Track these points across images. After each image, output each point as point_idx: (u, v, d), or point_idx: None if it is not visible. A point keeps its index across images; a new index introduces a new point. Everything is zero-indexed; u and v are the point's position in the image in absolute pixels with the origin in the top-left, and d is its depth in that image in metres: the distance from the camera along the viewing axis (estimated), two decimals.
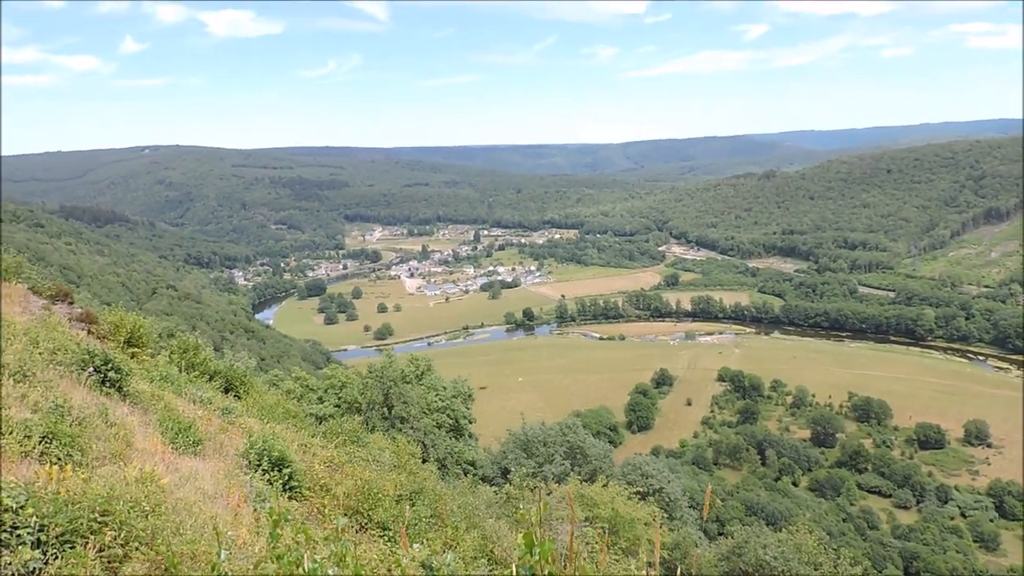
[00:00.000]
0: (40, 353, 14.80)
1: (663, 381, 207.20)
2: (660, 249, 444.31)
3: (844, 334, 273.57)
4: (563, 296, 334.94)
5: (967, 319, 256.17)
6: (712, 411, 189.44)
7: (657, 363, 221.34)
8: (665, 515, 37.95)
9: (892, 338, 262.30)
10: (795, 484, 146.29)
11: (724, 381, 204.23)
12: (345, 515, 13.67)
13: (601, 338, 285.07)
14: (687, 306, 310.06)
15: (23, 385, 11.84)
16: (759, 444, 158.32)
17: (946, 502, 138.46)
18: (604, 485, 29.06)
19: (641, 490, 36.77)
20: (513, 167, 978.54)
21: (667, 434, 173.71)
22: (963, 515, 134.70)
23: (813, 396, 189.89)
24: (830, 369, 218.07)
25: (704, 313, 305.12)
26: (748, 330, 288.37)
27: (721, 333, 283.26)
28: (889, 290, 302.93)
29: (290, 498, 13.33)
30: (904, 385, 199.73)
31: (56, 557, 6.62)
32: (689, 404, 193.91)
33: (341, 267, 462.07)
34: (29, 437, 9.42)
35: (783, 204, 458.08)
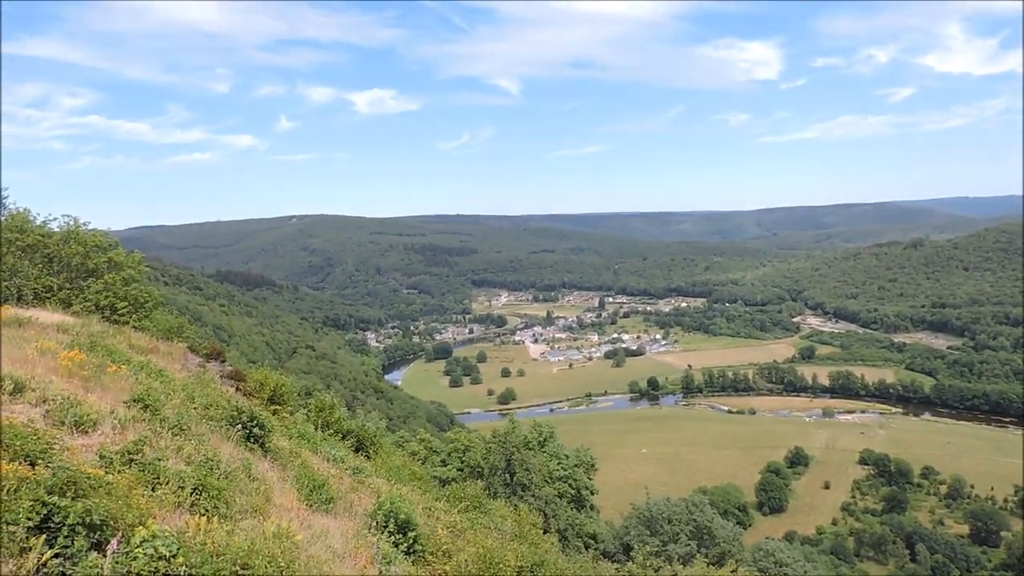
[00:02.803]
0: (195, 408, 16.04)
1: (798, 460, 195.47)
2: (794, 320, 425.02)
3: (1008, 420, 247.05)
4: (689, 366, 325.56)
5: None
6: (853, 496, 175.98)
7: (791, 441, 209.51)
8: None
9: None
10: None
11: (867, 464, 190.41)
12: None
13: (730, 411, 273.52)
14: (824, 381, 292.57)
15: (179, 438, 12.81)
16: (908, 537, 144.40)
17: None
18: (733, 570, 27.29)
19: None
20: (639, 234, 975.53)
21: (802, 518, 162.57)
22: None
23: (972, 487, 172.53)
24: (991, 458, 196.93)
25: (843, 389, 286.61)
26: (894, 410, 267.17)
27: (863, 412, 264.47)
28: None
29: (413, 562, 13.46)
30: None
31: None
32: (827, 487, 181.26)
33: (467, 331, 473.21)
34: (183, 488, 10.15)
35: (933, 275, 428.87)
